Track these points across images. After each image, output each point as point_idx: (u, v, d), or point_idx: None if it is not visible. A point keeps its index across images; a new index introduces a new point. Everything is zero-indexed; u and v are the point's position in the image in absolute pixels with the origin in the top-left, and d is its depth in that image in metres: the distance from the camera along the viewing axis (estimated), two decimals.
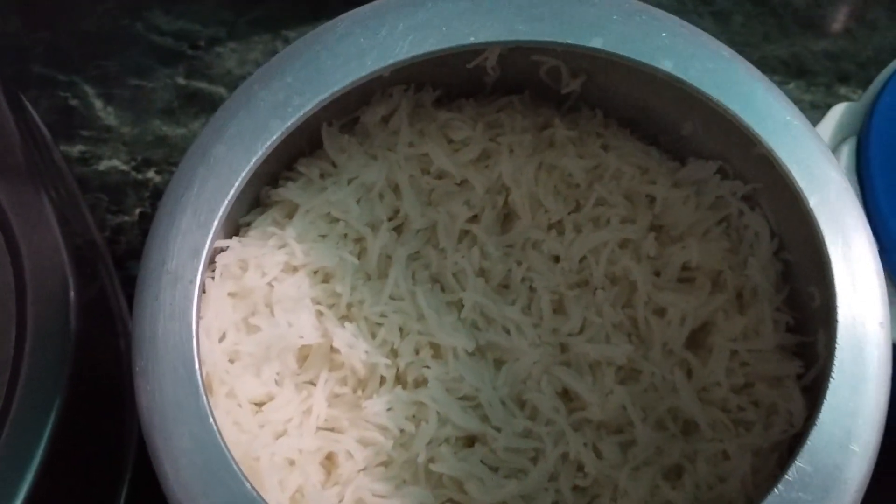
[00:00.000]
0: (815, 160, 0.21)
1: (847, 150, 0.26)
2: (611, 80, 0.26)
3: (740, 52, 0.40)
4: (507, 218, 0.27)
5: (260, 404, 0.24)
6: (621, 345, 0.24)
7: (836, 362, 0.19)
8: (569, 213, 0.26)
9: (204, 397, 0.20)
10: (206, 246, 0.21)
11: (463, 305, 0.25)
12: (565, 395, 0.24)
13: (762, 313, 0.24)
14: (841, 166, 0.25)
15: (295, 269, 0.25)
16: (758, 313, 0.24)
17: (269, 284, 0.25)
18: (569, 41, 0.23)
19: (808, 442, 0.19)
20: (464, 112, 0.28)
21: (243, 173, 0.22)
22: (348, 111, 0.27)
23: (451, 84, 0.28)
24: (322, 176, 0.27)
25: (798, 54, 0.41)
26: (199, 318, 0.21)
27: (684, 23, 0.24)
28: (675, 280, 0.25)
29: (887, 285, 0.22)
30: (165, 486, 0.19)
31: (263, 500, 0.19)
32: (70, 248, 0.26)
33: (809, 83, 0.40)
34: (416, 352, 0.24)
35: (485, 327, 0.25)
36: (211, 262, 0.24)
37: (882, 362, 0.19)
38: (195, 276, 0.21)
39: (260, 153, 0.22)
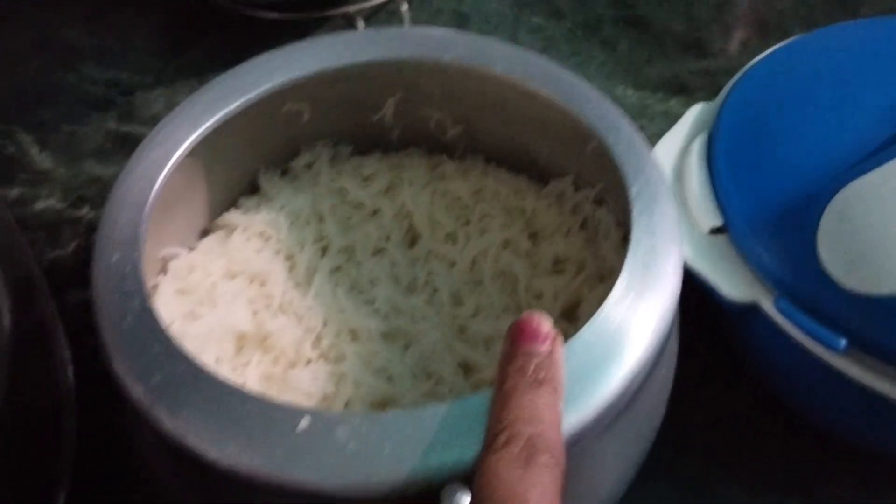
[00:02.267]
0: (637, 156, 0.33)
1: (699, 143, 0.39)
2: (484, 126, 0.40)
3: (626, 74, 0.56)
4: (412, 236, 0.40)
5: None
6: (507, 320, 0.37)
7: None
8: (461, 227, 0.39)
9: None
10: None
11: (376, 301, 0.38)
12: (464, 366, 0.37)
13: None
14: (694, 156, 0.39)
15: (234, 275, 0.37)
16: (613, 285, 0.37)
17: (212, 284, 0.37)
18: (427, 55, 0.36)
19: None
20: (373, 158, 0.42)
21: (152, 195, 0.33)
22: (281, 162, 0.42)
23: (364, 140, 0.42)
24: (259, 205, 0.40)
25: (678, 74, 0.56)
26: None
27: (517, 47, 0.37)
28: (548, 270, 0.38)
29: (733, 256, 0.35)
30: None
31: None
32: (8, 280, 0.35)
33: (689, 98, 0.54)
34: (337, 335, 0.36)
35: (394, 316, 0.37)
36: (163, 267, 0.37)
37: (660, 304, 0.29)
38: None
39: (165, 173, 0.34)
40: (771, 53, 0.40)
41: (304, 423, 0.25)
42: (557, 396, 0.25)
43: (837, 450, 0.38)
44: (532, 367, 0.25)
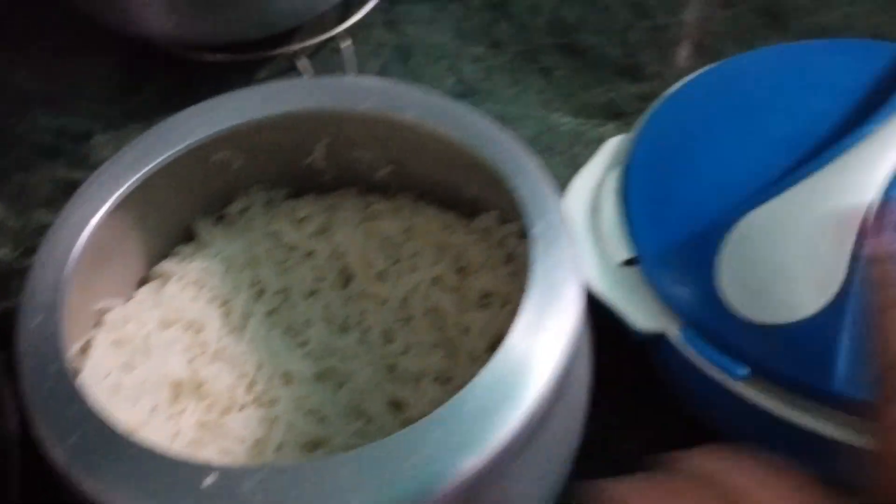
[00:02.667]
0: (540, 197, 0.34)
1: (614, 175, 0.40)
2: (413, 166, 0.41)
3: (563, 101, 0.57)
4: (346, 277, 0.41)
5: (137, 431, 0.35)
6: (436, 357, 0.38)
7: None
8: (392, 265, 0.41)
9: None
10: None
11: (309, 343, 0.39)
12: (395, 404, 0.38)
13: None
14: (609, 189, 0.40)
15: (169, 324, 0.38)
16: None
17: (147, 334, 0.37)
18: (346, 107, 0.37)
19: None
20: (307, 200, 0.43)
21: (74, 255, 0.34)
22: (216, 209, 0.42)
23: (297, 183, 0.43)
24: (194, 253, 0.41)
25: (614, 99, 0.57)
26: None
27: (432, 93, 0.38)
28: (476, 304, 0.40)
29: (644, 287, 0.36)
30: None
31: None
32: None
33: (624, 123, 0.56)
34: (271, 378, 0.37)
35: (326, 357, 0.38)
36: (99, 320, 0.38)
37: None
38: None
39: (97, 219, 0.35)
40: (683, 84, 0.42)
41: (209, 479, 0.26)
42: None
43: None
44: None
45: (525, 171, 0.34)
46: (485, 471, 0.27)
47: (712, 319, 0.33)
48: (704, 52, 0.60)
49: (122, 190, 0.36)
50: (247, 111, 0.38)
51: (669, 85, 0.57)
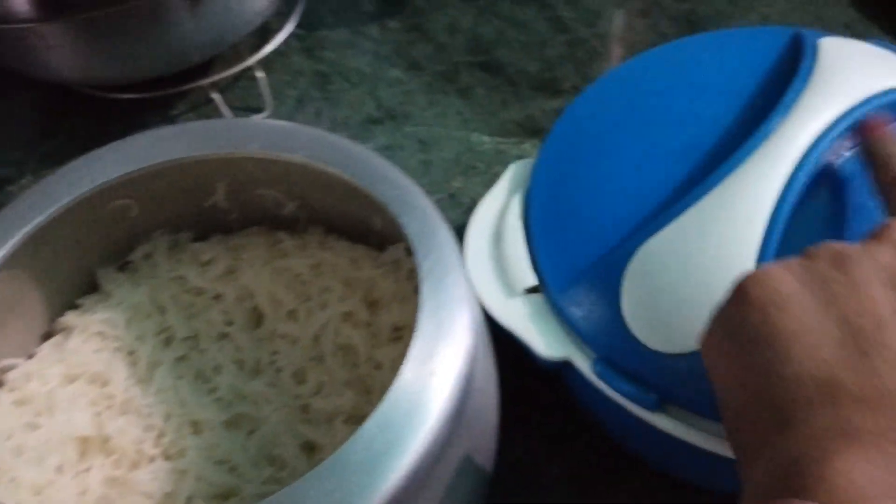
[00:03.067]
0: (430, 234, 0.33)
1: (516, 202, 0.39)
2: (319, 200, 0.40)
3: (482, 121, 0.57)
4: (257, 318, 0.40)
5: (42, 491, 0.35)
6: (348, 396, 0.38)
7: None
8: (302, 303, 0.40)
9: None
10: None
11: (219, 389, 0.38)
12: (308, 446, 0.37)
13: None
14: (512, 216, 0.39)
15: (73, 379, 0.37)
16: None
17: (50, 391, 0.36)
18: (233, 150, 0.37)
19: None
20: (212, 242, 0.42)
21: None
22: (119, 257, 0.41)
23: (202, 225, 0.42)
24: (97, 303, 0.40)
25: (532, 115, 0.57)
26: None
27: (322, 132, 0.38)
28: (387, 339, 0.39)
29: (549, 315, 0.36)
30: None
31: None
32: None
33: (543, 140, 0.55)
34: (179, 429, 0.36)
35: (237, 403, 0.37)
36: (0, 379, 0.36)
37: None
38: None
39: None
40: (577, 101, 0.41)
41: None
42: None
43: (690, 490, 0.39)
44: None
45: (414, 206, 0.33)
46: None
47: (619, 348, 0.32)
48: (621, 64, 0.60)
49: (12, 243, 0.35)
50: (138, 159, 0.37)
51: None
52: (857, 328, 0.24)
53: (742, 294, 0.26)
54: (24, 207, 0.36)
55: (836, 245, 0.27)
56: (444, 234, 0.33)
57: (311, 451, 0.36)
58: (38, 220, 0.36)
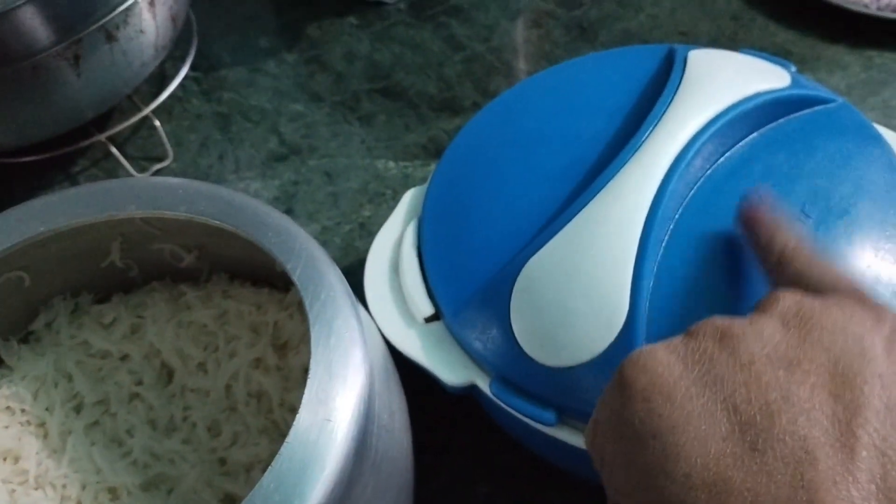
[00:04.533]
0: (316, 279, 0.34)
1: (411, 230, 0.39)
2: (217, 248, 0.40)
3: (385, 147, 0.57)
4: (167, 374, 0.40)
5: None
6: (264, 444, 0.38)
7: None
8: (210, 354, 0.40)
9: None
10: None
11: (133, 452, 0.37)
12: (228, 499, 0.37)
13: None
14: (407, 244, 0.39)
15: None
16: None
17: None
18: (112, 213, 0.36)
19: None
20: (114, 303, 0.42)
21: None
22: (21, 328, 0.41)
23: (104, 285, 0.42)
24: (1, 379, 0.40)
25: (435, 137, 0.58)
26: None
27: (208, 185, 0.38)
28: (300, 381, 0.39)
29: (449, 342, 0.36)
30: None
31: None
32: None
33: None
34: (96, 497, 0.35)
35: (154, 463, 0.37)
36: None
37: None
38: None
39: None
40: (469, 123, 0.42)
41: None
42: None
43: None
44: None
45: (298, 250, 0.33)
46: None
47: (515, 369, 0.33)
48: (519, 76, 0.61)
49: None
50: (20, 230, 0.36)
51: None
52: (745, 418, 0.22)
53: (622, 381, 0.24)
54: None
55: (720, 320, 0.25)
56: (333, 275, 0.33)
57: (232, 501, 0.36)
58: None
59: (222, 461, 0.38)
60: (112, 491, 0.37)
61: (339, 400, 0.30)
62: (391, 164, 0.56)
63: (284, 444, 0.29)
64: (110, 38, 0.50)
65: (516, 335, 0.32)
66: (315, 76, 0.62)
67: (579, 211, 0.33)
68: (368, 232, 0.52)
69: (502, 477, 0.41)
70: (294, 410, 0.38)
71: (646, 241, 0.31)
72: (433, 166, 0.55)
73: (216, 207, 0.35)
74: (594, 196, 0.33)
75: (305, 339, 0.40)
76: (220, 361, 0.40)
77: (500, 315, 0.33)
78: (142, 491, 0.37)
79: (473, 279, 0.35)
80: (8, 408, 0.39)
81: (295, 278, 0.33)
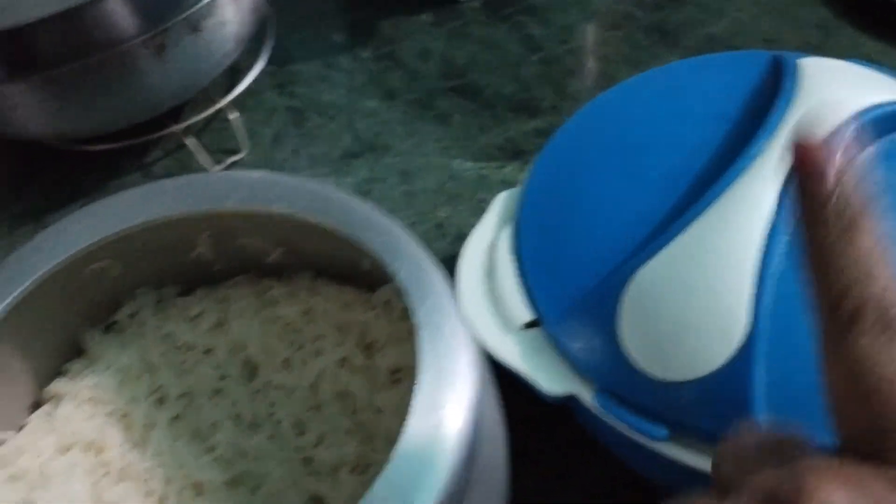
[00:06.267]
0: (421, 281, 0.34)
1: (506, 234, 0.39)
2: (304, 245, 0.40)
3: (461, 147, 0.56)
4: (251, 370, 0.40)
5: None
6: (351, 445, 0.37)
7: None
8: (295, 351, 0.39)
9: None
10: None
11: (217, 448, 0.37)
12: (315, 499, 0.37)
13: None
14: (502, 249, 0.39)
15: (67, 448, 0.36)
16: None
17: (43, 464, 0.35)
18: (209, 207, 0.36)
19: None
20: (198, 295, 0.41)
21: None
22: (104, 317, 0.41)
23: (187, 278, 0.42)
24: (85, 368, 0.40)
25: (512, 138, 0.57)
26: None
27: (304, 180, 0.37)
28: (386, 382, 0.39)
29: (549, 350, 0.36)
30: None
31: None
32: None
33: (524, 162, 0.55)
34: (180, 492, 0.35)
35: (238, 460, 0.36)
36: None
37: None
38: None
39: None
40: (565, 125, 0.41)
41: None
42: (879, 231, 0.19)
43: None
44: (832, 212, 0.19)
45: (403, 251, 0.33)
46: None
47: (622, 380, 0.32)
48: (598, 79, 0.60)
49: None
50: (115, 221, 0.36)
51: (566, 116, 0.57)
52: None
53: None
54: (2, 279, 0.35)
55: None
56: (437, 278, 0.32)
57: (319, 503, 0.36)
58: (18, 291, 0.35)
59: (308, 461, 0.37)
60: (196, 486, 0.36)
61: (450, 407, 0.29)
62: (468, 164, 0.55)
63: (395, 449, 0.28)
64: (195, 28, 0.50)
65: (625, 346, 0.32)
66: (389, 73, 0.62)
67: (694, 220, 0.32)
68: (445, 233, 0.51)
69: (591, 487, 0.40)
70: (381, 412, 0.38)
71: (767, 254, 0.30)
72: (510, 167, 0.54)
73: (316, 204, 0.34)
74: (709, 205, 0.32)
75: (392, 339, 0.39)
76: (306, 359, 0.39)
77: (607, 325, 0.32)
78: (227, 487, 0.36)
79: (577, 287, 0.34)
80: (91, 398, 0.38)
81: (401, 280, 0.32)
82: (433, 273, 0.32)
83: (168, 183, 0.36)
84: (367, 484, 0.36)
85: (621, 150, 0.38)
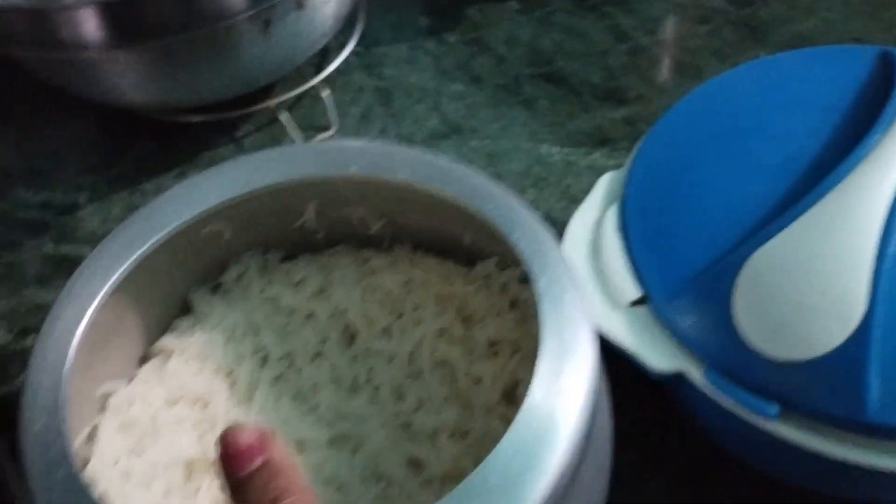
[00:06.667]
0: (541, 250, 0.34)
1: (611, 214, 0.39)
2: (406, 218, 0.41)
3: (549, 132, 0.57)
4: (350, 335, 0.41)
5: None
6: (450, 411, 0.38)
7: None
8: (395, 320, 0.40)
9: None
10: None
11: (319, 408, 0.38)
12: (413, 463, 0.38)
13: None
14: (609, 227, 0.39)
15: (175, 402, 0.38)
16: None
17: (153, 415, 0.37)
18: (332, 172, 0.37)
19: None
20: (302, 262, 0.43)
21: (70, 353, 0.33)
22: (211, 278, 0.42)
23: (291, 244, 0.43)
24: (193, 326, 0.41)
25: (600, 125, 0.57)
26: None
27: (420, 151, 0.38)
28: (484, 354, 0.39)
29: (656, 327, 0.36)
30: None
31: None
32: None
33: (612, 149, 0.56)
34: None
35: (338, 422, 0.37)
36: (103, 405, 0.37)
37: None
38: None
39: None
40: (669, 113, 0.41)
41: None
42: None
43: (799, 498, 0.39)
44: (256, 495, 0.23)
45: (522, 222, 0.34)
46: None
47: (734, 358, 0.32)
48: (685, 70, 0.60)
49: (118, 274, 0.36)
50: (234, 185, 0.38)
51: (654, 107, 0.58)
52: None
53: None
54: (129, 234, 0.37)
55: None
56: (556, 251, 0.33)
57: (418, 468, 0.37)
58: (144, 248, 0.36)
59: (406, 425, 0.38)
60: (299, 444, 0.38)
61: (572, 376, 0.30)
62: (555, 149, 0.56)
63: (519, 413, 0.29)
64: (300, 5, 0.51)
65: (739, 325, 0.32)
66: (476, 58, 0.63)
67: (813, 205, 0.32)
68: None
69: (678, 472, 0.41)
70: (480, 383, 0.38)
71: (885, 238, 0.30)
72: (597, 154, 0.55)
73: (437, 175, 0.35)
74: (829, 191, 0.32)
75: (491, 312, 0.40)
76: (405, 328, 0.40)
77: (721, 304, 0.33)
78: (328, 446, 0.37)
79: (688, 266, 0.34)
80: (198, 355, 0.40)
81: (520, 251, 0.33)
82: (551, 246, 0.33)
83: (289, 149, 0.37)
84: (467, 450, 0.37)
85: (730, 137, 0.38)
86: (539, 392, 0.30)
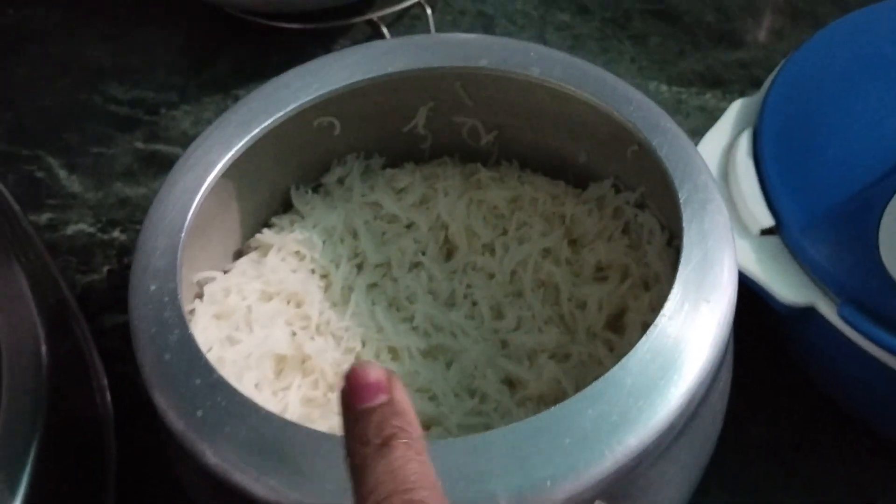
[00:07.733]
0: (684, 159, 0.32)
1: (745, 140, 0.37)
2: (518, 132, 0.39)
3: (658, 69, 0.55)
4: (449, 249, 0.40)
5: None
6: (551, 332, 0.37)
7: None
8: (498, 237, 0.39)
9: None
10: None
11: (415, 318, 0.37)
12: (508, 382, 0.36)
13: (663, 291, 0.35)
14: (741, 153, 0.37)
15: (270, 297, 0.37)
16: (660, 291, 0.36)
17: (249, 307, 0.36)
18: (461, 63, 0.36)
19: None
20: (406, 170, 0.41)
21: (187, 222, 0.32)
22: (312, 178, 0.41)
23: (396, 151, 0.42)
24: (292, 223, 0.40)
25: (712, 66, 0.55)
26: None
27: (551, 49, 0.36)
28: (591, 277, 0.37)
29: (786, 258, 0.34)
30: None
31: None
32: (42, 307, 0.36)
33: (725, 91, 0.53)
34: (377, 355, 0.35)
35: (434, 333, 0.36)
36: (199, 292, 0.36)
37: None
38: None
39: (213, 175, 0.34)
40: (809, 42, 0.39)
41: None
42: (414, 448, 0.22)
43: None
44: (372, 429, 0.22)
45: (663, 129, 0.32)
46: (643, 452, 0.25)
47: (873, 294, 0.30)
48: (800, 17, 0.57)
49: (230, 154, 0.35)
50: (353, 72, 0.36)
51: (768, 52, 0.55)
52: None
53: None
54: (241, 117, 0.36)
55: None
56: (698, 158, 0.31)
57: (513, 387, 0.36)
58: (257, 130, 0.35)
59: (504, 343, 0.37)
60: (393, 351, 0.36)
61: (715, 284, 0.28)
62: (663, 87, 0.53)
63: (660, 315, 0.27)
64: None
65: (886, 259, 0.30)
66: None
67: None
68: None
69: (777, 419, 0.39)
70: (584, 307, 0.37)
71: None
72: (709, 95, 0.53)
73: (572, 74, 0.33)
74: None
75: (602, 236, 0.38)
76: (508, 246, 0.39)
77: (865, 237, 0.31)
78: (422, 357, 0.36)
79: (828, 196, 0.32)
80: (297, 252, 0.39)
81: (661, 156, 0.31)
82: (693, 153, 0.31)
83: (418, 38, 0.36)
84: (568, 372, 0.35)
85: (875, 70, 0.36)
86: (680, 296, 0.28)
